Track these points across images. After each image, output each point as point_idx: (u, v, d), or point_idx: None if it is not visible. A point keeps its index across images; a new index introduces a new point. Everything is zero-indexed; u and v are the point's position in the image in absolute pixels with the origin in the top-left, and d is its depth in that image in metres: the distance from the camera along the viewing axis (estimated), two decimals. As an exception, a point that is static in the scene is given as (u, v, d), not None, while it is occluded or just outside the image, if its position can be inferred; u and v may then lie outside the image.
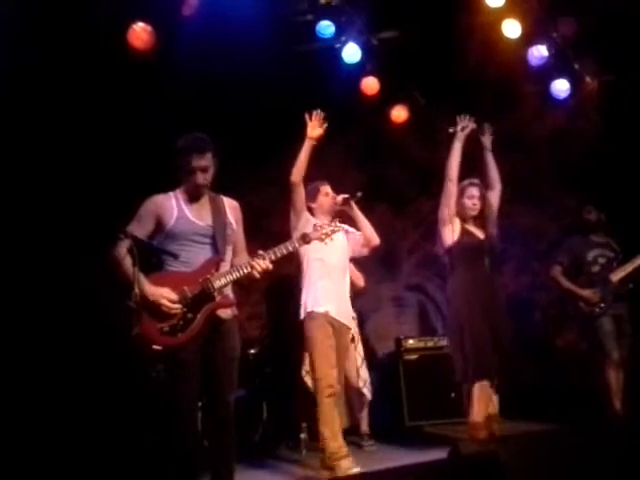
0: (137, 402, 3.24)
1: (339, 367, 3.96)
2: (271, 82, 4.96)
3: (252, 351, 5.07)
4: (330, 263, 4.02)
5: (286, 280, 5.28)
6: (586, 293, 4.71)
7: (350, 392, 4.82)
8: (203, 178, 3.07)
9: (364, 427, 4.90)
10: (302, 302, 4.04)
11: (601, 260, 4.78)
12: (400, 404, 5.27)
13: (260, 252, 3.09)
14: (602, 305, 4.67)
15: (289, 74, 4.95)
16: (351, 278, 5.14)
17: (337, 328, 3.98)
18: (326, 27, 5.01)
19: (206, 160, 3.05)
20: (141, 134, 4.58)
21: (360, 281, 5.15)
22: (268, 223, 5.25)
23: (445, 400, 5.06)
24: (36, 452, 3.95)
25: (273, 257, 3.08)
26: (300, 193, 4.13)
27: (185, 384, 2.95)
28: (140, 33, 4.56)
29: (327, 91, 5.06)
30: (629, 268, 4.68)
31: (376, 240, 4.29)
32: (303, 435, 4.88)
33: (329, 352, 3.86)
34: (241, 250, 3.23)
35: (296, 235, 3.49)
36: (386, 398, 5.44)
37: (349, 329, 4.17)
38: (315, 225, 3.36)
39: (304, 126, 5.09)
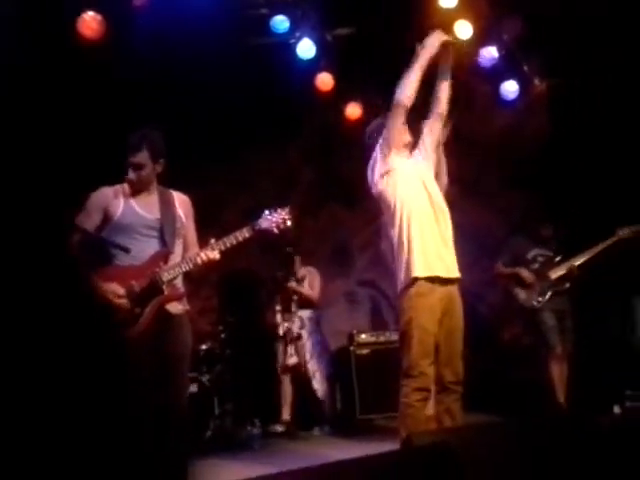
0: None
1: None
2: (225, 76, 4.93)
3: (204, 347, 5.03)
4: None
5: (238, 273, 5.28)
6: (524, 273, 4.85)
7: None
8: (134, 175, 3.06)
9: (323, 412, 5.11)
10: None
11: (540, 259, 4.94)
12: (352, 397, 5.33)
13: (212, 241, 3.08)
14: (539, 299, 4.82)
15: (243, 68, 4.92)
16: (306, 293, 5.26)
17: None
18: (281, 22, 4.99)
19: (139, 157, 3.05)
20: (92, 126, 4.49)
21: (316, 292, 5.28)
22: (225, 216, 5.23)
23: (396, 394, 5.12)
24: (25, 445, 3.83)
25: (222, 247, 3.07)
26: (402, 122, 3.31)
27: (136, 379, 2.92)
28: (90, 22, 4.45)
29: (281, 86, 5.07)
30: (567, 267, 4.83)
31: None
32: (256, 430, 4.89)
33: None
34: (192, 244, 3.21)
35: (382, 181, 3.24)
36: (338, 391, 5.51)
37: None
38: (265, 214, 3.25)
39: (257, 120, 5.10)
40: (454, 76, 3.49)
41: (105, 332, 2.98)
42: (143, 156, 3.06)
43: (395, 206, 3.27)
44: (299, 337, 5.15)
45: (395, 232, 3.26)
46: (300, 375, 5.15)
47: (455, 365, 3.24)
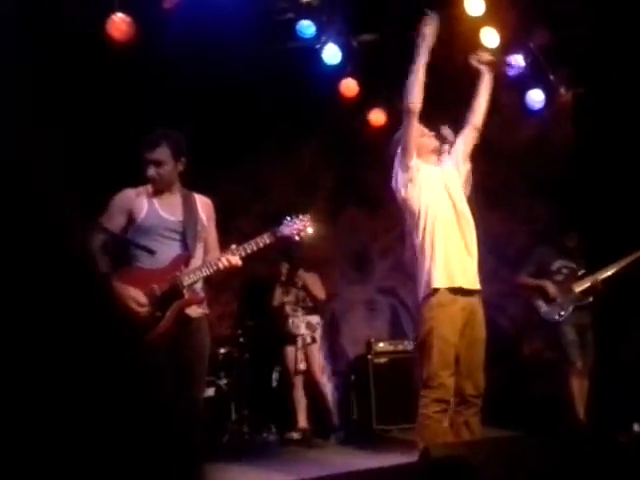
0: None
1: None
2: (251, 79, 4.95)
3: (222, 350, 5.04)
4: None
5: (257, 278, 5.28)
6: (549, 286, 4.78)
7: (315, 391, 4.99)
8: (154, 171, 3.04)
9: (334, 420, 5.08)
10: None
11: (565, 270, 4.87)
12: (369, 406, 5.29)
13: (232, 247, 3.06)
14: (561, 313, 4.75)
15: (269, 72, 4.94)
16: (312, 291, 5.23)
17: None
18: (307, 27, 5.00)
19: (158, 154, 3.03)
20: (121, 128, 4.53)
21: (322, 293, 5.24)
22: (243, 222, 5.23)
23: (414, 404, 5.09)
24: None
25: (243, 253, 3.05)
26: (416, 127, 3.25)
27: (154, 381, 2.92)
28: (119, 24, 4.49)
29: (306, 90, 5.07)
30: (591, 281, 4.76)
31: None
32: (272, 437, 4.88)
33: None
34: (213, 248, 3.19)
35: (406, 188, 3.22)
36: (355, 401, 5.48)
37: None
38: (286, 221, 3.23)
39: (282, 124, 5.04)
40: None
41: (122, 335, 2.99)
42: (163, 152, 3.04)
43: (419, 214, 3.23)
44: (314, 341, 5.13)
45: (418, 240, 3.23)
46: (311, 382, 5.13)
47: (476, 378, 3.20)
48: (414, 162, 3.28)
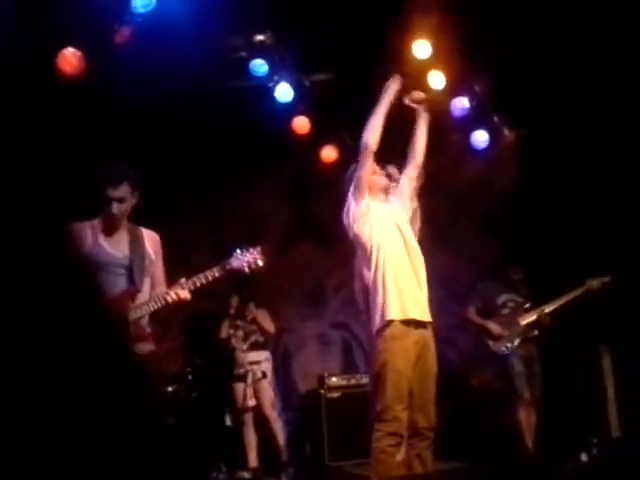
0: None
1: None
2: (202, 116, 4.98)
3: (170, 389, 4.93)
4: None
5: (206, 313, 5.22)
6: (493, 326, 4.89)
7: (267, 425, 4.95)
8: (118, 209, 3.03)
9: (284, 458, 4.99)
10: None
11: (510, 304, 4.98)
12: (321, 442, 5.25)
13: (182, 280, 3.05)
14: (508, 345, 4.85)
15: (222, 109, 4.97)
16: (263, 324, 5.21)
17: None
18: (259, 65, 5.08)
19: (121, 191, 3.03)
20: (68, 160, 4.47)
21: (271, 327, 5.22)
22: (196, 256, 5.18)
23: (367, 439, 5.08)
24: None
25: (192, 287, 3.04)
26: (371, 165, 3.35)
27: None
28: (70, 58, 4.48)
29: (259, 128, 5.13)
30: (537, 314, 4.89)
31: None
32: (222, 476, 4.78)
33: None
34: (160, 282, 3.16)
35: (358, 224, 3.29)
36: (307, 437, 5.42)
37: None
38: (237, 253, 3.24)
39: (232, 160, 5.03)
40: (428, 125, 3.59)
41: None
42: (125, 189, 3.03)
43: (371, 249, 3.29)
44: (264, 376, 5.07)
45: (370, 274, 3.28)
46: (261, 418, 5.06)
47: (428, 411, 3.23)
48: (365, 199, 3.36)
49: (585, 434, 4.72)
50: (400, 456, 3.18)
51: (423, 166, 3.54)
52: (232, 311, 5.22)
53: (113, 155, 3.24)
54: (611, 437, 4.94)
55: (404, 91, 3.60)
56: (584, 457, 4.61)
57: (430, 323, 3.33)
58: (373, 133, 3.31)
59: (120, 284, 3.01)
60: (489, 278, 5.21)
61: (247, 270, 3.21)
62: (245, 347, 5.13)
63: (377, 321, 3.22)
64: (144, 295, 3.06)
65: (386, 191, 3.48)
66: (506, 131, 5.72)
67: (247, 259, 3.20)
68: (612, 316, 4.97)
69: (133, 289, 3.01)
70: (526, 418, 4.81)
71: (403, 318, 3.19)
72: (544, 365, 4.96)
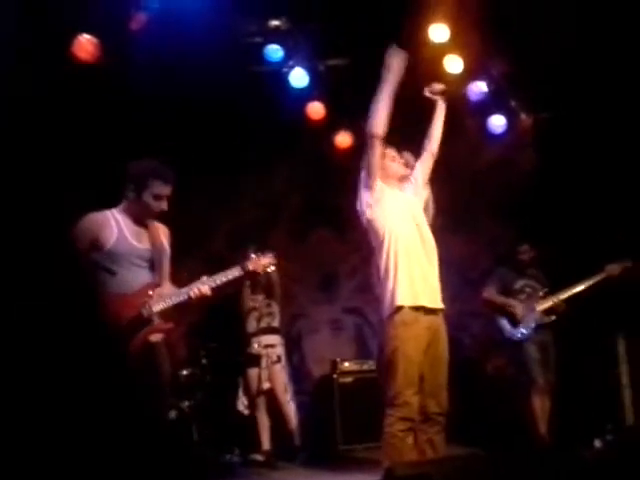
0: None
1: None
2: (219, 101, 4.98)
3: (184, 372, 4.98)
4: None
5: (226, 301, 5.25)
6: (515, 304, 4.87)
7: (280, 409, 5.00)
8: (164, 206, 3.10)
9: (297, 441, 5.04)
10: None
11: (528, 289, 4.96)
12: (334, 427, 5.28)
13: (203, 277, 3.11)
14: (524, 331, 4.83)
15: (237, 94, 4.97)
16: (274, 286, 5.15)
17: None
18: (274, 51, 5.07)
19: (169, 190, 3.09)
20: (85, 146, 4.51)
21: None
22: (211, 242, 5.23)
23: (379, 423, 5.10)
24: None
25: (213, 284, 3.10)
26: (378, 152, 3.31)
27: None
28: (85, 45, 4.50)
29: (273, 113, 5.12)
30: (553, 300, 4.86)
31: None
32: (235, 459, 4.84)
33: None
34: (166, 276, 3.21)
35: (371, 210, 3.30)
36: (320, 421, 5.46)
37: None
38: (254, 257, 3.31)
39: (247, 146, 5.01)
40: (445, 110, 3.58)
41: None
42: (171, 188, 3.11)
43: (383, 235, 3.30)
44: (278, 360, 5.10)
45: (382, 260, 3.29)
46: (274, 402, 5.10)
47: (439, 396, 3.25)
48: (378, 185, 3.35)
49: (599, 421, 4.71)
50: (411, 441, 3.20)
51: (437, 155, 3.54)
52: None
53: (126, 142, 3.26)
54: (625, 424, 4.92)
55: (422, 79, 3.60)
56: (598, 443, 4.62)
57: (441, 310, 3.33)
58: (377, 119, 3.26)
59: (142, 275, 3.07)
60: (505, 264, 5.18)
61: (262, 273, 3.32)
62: (259, 329, 5.15)
63: (387, 307, 3.24)
64: (163, 288, 3.12)
65: (401, 179, 3.48)
66: (523, 115, 5.66)
67: (262, 262, 3.28)
68: (629, 303, 4.93)
69: (155, 281, 3.09)
70: (540, 404, 4.81)
71: (413, 304, 3.20)
72: (559, 351, 4.94)
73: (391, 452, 3.15)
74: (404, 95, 3.35)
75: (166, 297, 3.06)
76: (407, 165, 3.48)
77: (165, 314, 3.08)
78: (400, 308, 3.19)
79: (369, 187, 3.34)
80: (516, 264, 5.04)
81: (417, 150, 3.55)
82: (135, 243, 3.07)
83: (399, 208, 3.36)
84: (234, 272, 3.17)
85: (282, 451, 5.11)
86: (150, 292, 3.04)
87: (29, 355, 4.17)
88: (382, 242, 3.29)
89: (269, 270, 3.32)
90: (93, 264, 3.02)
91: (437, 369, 3.25)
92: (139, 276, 3.05)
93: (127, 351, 2.96)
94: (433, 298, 3.28)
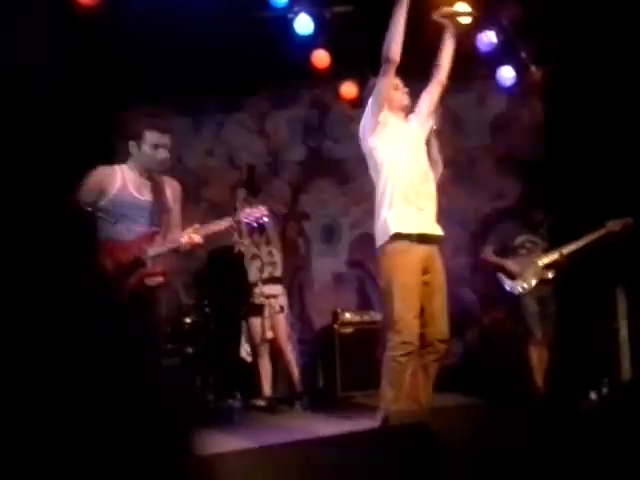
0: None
1: None
2: (222, 46, 4.89)
3: (187, 320, 5.04)
4: None
5: (229, 249, 5.27)
6: (510, 264, 4.88)
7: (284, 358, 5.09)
8: (164, 155, 3.25)
9: (299, 388, 5.12)
10: None
11: (528, 245, 4.94)
12: (334, 375, 5.38)
13: (196, 225, 3.24)
14: (524, 285, 4.85)
15: (240, 40, 4.88)
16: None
17: None
18: (279, -4, 4.93)
19: (167, 139, 3.25)
20: (86, 93, 4.45)
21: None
22: (211, 191, 5.21)
23: (377, 372, 5.19)
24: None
25: (204, 232, 3.24)
26: (392, 78, 3.32)
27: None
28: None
29: (277, 60, 5.03)
30: (554, 255, 4.87)
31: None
32: (237, 404, 4.93)
33: None
34: (176, 226, 3.36)
35: (373, 137, 3.32)
36: (320, 369, 5.56)
37: None
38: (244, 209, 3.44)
39: (254, 93, 4.96)
40: (453, 59, 3.51)
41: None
42: (169, 137, 3.26)
43: (382, 163, 3.31)
44: (281, 309, 5.14)
45: (379, 188, 3.31)
46: (276, 350, 5.17)
47: (440, 323, 3.29)
48: (384, 113, 3.35)
49: (596, 375, 4.77)
50: (410, 370, 3.22)
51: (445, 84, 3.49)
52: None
53: (128, 89, 3.25)
54: (621, 379, 4.98)
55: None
56: (593, 396, 4.69)
57: (439, 238, 3.35)
58: (393, 44, 3.25)
59: (141, 227, 3.23)
60: (508, 219, 5.17)
61: (255, 224, 3.44)
62: (261, 279, 5.17)
63: (381, 236, 3.27)
64: (161, 238, 3.28)
65: (406, 110, 3.47)
66: (533, 68, 5.54)
67: (255, 215, 3.39)
68: (630, 258, 4.93)
69: (153, 230, 3.25)
70: (537, 357, 4.85)
71: (407, 232, 3.23)
72: (559, 305, 4.97)
73: (390, 376, 3.21)
74: (417, 31, 3.30)
75: (160, 244, 3.23)
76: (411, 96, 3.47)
77: (160, 259, 3.23)
78: (394, 236, 3.21)
79: (374, 113, 3.33)
80: (525, 220, 5.02)
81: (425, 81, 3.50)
82: (136, 194, 3.23)
83: (401, 138, 3.37)
84: (225, 222, 3.31)
85: (283, 397, 5.21)
86: (148, 240, 3.21)
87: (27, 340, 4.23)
88: (380, 170, 3.31)
89: (262, 222, 3.43)
90: (95, 214, 3.16)
91: (435, 298, 3.29)
92: (138, 226, 3.21)
93: (122, 291, 3.12)
94: (429, 227, 3.30)
